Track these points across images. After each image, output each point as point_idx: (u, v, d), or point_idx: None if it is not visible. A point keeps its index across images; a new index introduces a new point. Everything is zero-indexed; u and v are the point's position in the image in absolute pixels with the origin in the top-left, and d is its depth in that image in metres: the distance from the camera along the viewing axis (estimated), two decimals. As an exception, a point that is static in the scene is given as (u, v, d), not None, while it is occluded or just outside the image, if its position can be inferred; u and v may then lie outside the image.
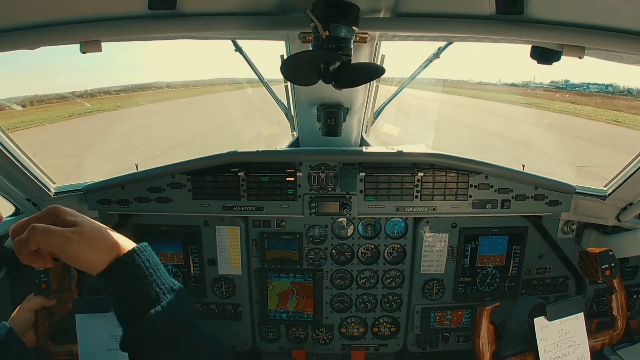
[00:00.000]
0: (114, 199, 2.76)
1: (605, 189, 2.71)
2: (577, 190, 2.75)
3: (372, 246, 2.95)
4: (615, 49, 1.54)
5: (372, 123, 3.16)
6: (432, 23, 1.64)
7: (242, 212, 2.79)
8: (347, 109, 2.53)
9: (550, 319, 2.09)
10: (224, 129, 20.93)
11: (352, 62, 1.61)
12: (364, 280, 3.02)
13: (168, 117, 27.05)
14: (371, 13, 1.66)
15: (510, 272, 2.95)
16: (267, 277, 2.97)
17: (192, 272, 2.96)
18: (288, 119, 3.15)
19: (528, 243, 2.92)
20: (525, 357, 2.16)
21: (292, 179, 2.73)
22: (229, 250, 2.91)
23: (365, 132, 3.13)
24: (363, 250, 2.96)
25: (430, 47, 2.71)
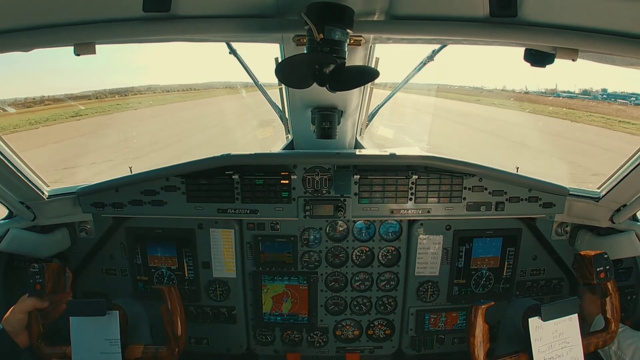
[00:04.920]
0: (108, 202, 2.73)
1: (599, 190, 2.72)
2: (570, 192, 2.76)
3: (367, 249, 2.95)
4: (609, 51, 1.55)
5: (367, 126, 3.16)
6: (426, 26, 1.64)
7: (236, 215, 2.78)
8: (342, 111, 2.53)
9: (544, 319, 2.10)
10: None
11: (347, 64, 1.61)
12: (358, 283, 3.02)
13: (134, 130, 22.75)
14: (365, 16, 1.66)
15: (504, 273, 2.96)
16: (262, 280, 2.97)
17: (187, 275, 2.94)
18: (282, 122, 3.15)
19: (522, 245, 2.93)
20: (519, 357, 2.16)
21: (287, 181, 2.73)
22: (224, 253, 2.90)
23: (360, 135, 3.14)
24: (357, 253, 2.96)
25: (425, 50, 2.73)
